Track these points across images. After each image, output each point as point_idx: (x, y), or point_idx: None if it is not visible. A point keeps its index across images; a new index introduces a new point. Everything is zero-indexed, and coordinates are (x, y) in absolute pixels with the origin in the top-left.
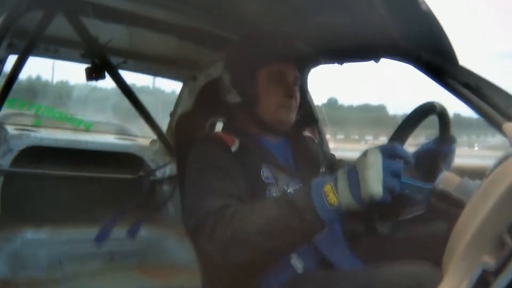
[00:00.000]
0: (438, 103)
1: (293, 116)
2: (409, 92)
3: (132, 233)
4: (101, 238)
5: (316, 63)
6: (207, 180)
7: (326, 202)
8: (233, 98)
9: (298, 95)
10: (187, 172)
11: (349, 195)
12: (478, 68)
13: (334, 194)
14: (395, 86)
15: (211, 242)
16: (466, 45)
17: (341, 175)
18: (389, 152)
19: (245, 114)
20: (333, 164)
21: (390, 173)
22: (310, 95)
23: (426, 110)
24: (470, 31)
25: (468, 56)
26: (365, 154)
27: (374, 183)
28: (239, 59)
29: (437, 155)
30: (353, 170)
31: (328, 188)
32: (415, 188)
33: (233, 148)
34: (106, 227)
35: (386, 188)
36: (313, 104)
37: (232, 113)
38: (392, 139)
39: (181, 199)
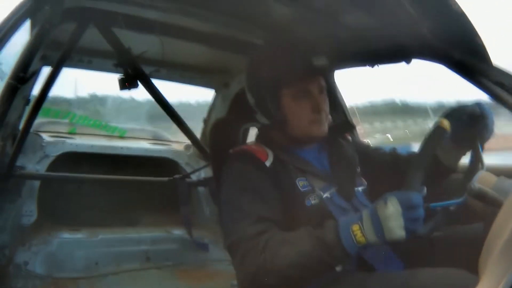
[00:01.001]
0: (441, 120)
1: (325, 128)
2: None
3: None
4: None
5: (341, 66)
6: (242, 201)
7: (354, 241)
8: (261, 119)
9: (327, 104)
10: (222, 189)
11: (376, 238)
12: None
13: (362, 234)
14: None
15: (242, 267)
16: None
17: (366, 218)
18: (407, 204)
19: (276, 131)
20: (369, 154)
21: (411, 220)
22: (342, 98)
23: (438, 134)
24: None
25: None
26: (385, 202)
27: (397, 231)
28: (259, 82)
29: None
30: (376, 217)
31: (356, 228)
32: (446, 207)
33: (268, 163)
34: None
35: (409, 231)
36: (346, 108)
37: (264, 126)
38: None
39: (219, 216)
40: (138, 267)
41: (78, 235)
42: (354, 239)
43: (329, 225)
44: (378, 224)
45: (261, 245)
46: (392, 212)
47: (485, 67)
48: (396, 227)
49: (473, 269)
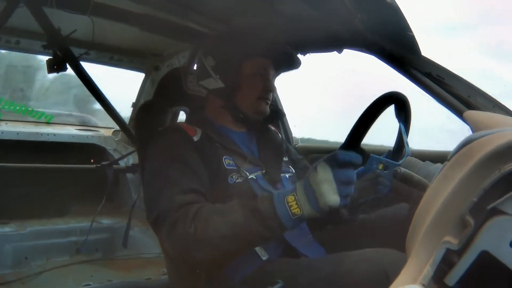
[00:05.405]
0: (397, 92)
1: (268, 109)
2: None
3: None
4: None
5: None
6: (170, 173)
7: (289, 212)
8: (213, 83)
9: (275, 91)
10: (149, 163)
11: (310, 208)
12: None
13: (297, 205)
14: None
15: (170, 238)
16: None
17: (299, 188)
18: (336, 163)
19: (219, 101)
20: (295, 161)
21: (342, 182)
22: (277, 93)
23: (385, 100)
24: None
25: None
26: (315, 168)
27: (330, 195)
28: (228, 47)
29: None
30: (308, 185)
31: (291, 199)
32: (384, 163)
33: (195, 138)
34: None
35: (342, 196)
36: (279, 101)
37: (198, 102)
38: (353, 130)
39: (143, 189)
40: (68, 259)
41: (6, 229)
42: (289, 210)
43: (262, 196)
44: (310, 191)
45: (191, 214)
46: (322, 176)
47: (415, 58)
48: (328, 191)
49: (400, 249)
